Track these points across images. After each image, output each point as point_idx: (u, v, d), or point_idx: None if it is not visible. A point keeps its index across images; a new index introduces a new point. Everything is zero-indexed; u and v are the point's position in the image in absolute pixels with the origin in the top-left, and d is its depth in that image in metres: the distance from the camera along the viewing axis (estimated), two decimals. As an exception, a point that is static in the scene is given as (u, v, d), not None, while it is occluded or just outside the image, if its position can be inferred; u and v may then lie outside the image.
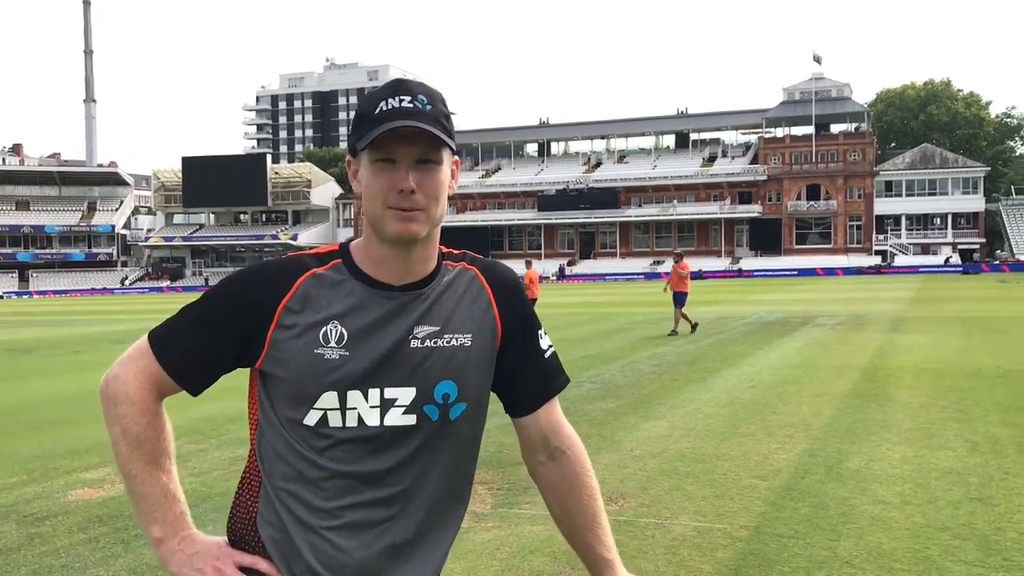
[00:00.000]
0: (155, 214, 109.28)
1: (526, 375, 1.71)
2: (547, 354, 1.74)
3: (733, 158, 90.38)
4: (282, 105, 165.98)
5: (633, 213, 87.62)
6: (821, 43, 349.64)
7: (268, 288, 1.57)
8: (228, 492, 6.28)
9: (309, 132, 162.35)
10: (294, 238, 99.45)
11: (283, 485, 1.59)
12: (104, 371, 1.63)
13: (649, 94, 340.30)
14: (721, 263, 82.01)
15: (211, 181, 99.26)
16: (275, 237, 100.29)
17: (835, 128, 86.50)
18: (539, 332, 1.73)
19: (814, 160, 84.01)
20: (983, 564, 4.50)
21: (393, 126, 1.48)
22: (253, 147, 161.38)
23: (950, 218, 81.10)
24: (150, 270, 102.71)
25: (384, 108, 1.52)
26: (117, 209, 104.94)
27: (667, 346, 16.28)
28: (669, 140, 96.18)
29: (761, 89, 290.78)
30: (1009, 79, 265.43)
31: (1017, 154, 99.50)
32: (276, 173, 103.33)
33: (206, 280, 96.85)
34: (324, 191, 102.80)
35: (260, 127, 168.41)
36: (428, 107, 1.53)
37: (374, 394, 1.55)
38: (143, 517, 1.58)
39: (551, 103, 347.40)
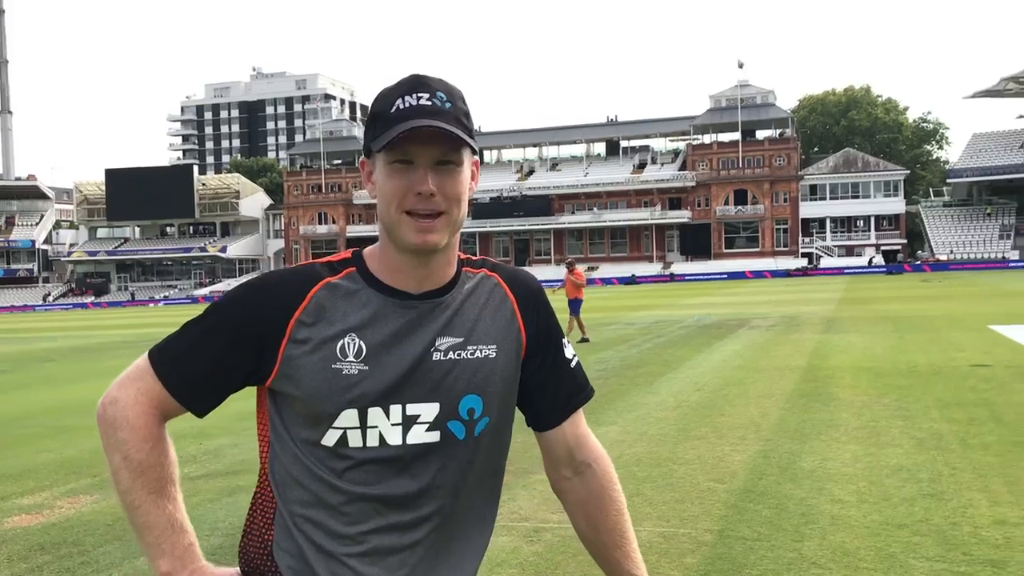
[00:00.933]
0: (78, 228, 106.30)
1: (551, 387, 1.63)
2: (572, 364, 1.66)
3: (663, 165, 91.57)
4: (208, 115, 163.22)
5: (567, 220, 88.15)
6: (746, 51, 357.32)
7: (279, 300, 1.46)
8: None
9: (236, 142, 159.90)
10: (223, 250, 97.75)
11: (300, 511, 1.49)
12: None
13: (580, 102, 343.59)
14: (653, 268, 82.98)
15: (136, 193, 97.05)
16: (203, 249, 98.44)
17: (761, 134, 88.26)
18: (564, 341, 1.66)
19: (741, 166, 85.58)
20: (944, 559, 4.56)
21: (411, 126, 1.39)
22: (179, 158, 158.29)
23: (873, 220, 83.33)
24: (73, 286, 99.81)
25: (401, 106, 1.43)
26: (37, 223, 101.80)
27: (610, 351, 16.35)
28: (600, 148, 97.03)
29: (688, 97, 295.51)
30: (925, 85, 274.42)
31: (934, 157, 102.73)
32: (203, 184, 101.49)
33: (132, 295, 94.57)
34: (253, 202, 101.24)
35: (186, 137, 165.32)
36: (448, 105, 1.44)
37: (396, 411, 1.46)
38: (149, 550, 1.45)
39: (483, 112, 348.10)
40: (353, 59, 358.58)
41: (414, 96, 1.44)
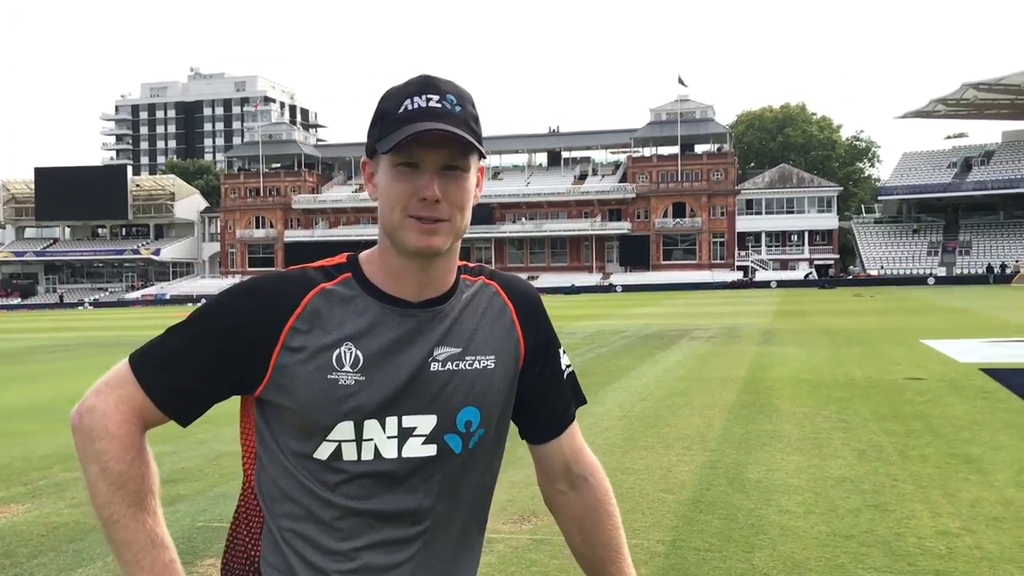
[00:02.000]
0: (4, 228, 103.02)
1: (549, 398, 1.59)
2: (566, 374, 1.62)
3: (603, 176, 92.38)
4: (144, 115, 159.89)
5: (508, 229, 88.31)
6: (686, 66, 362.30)
7: (272, 305, 1.40)
8: (114, 523, 5.87)
9: (173, 143, 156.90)
10: (156, 252, 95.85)
11: (290, 525, 1.43)
12: None
13: (522, 112, 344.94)
14: (592, 278, 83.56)
15: (67, 193, 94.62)
16: (136, 252, 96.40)
17: (699, 148, 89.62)
18: (560, 351, 1.62)
19: (680, 179, 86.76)
20: (891, 570, 4.63)
21: (420, 129, 1.34)
22: (112, 158, 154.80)
23: (807, 235, 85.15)
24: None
25: (410, 107, 1.38)
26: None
27: (552, 361, 16.34)
28: (542, 158, 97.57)
29: (629, 110, 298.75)
30: (858, 105, 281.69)
31: (866, 175, 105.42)
32: (137, 185, 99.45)
33: (60, 297, 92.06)
34: (189, 204, 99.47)
35: (120, 137, 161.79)
36: (458, 108, 1.40)
37: (391, 423, 1.40)
38: (127, 567, 1.37)
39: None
40: (294, 62, 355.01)
41: (423, 97, 1.39)
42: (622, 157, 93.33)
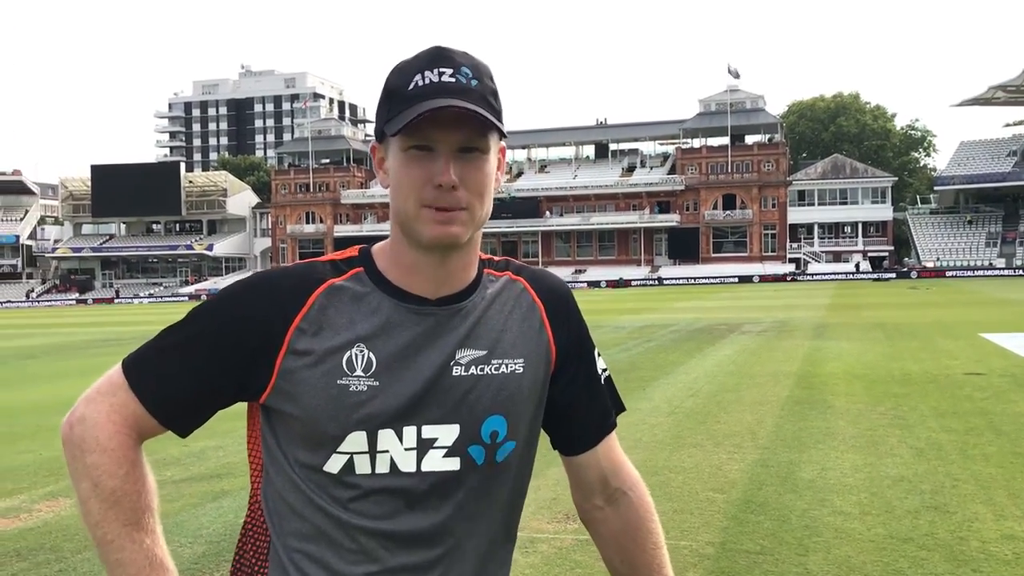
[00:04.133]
0: (63, 224, 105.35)
1: (584, 405, 1.44)
2: (603, 378, 1.47)
3: (651, 168, 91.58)
4: (196, 112, 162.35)
5: (555, 222, 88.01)
6: (736, 56, 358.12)
7: (275, 305, 1.27)
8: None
9: (224, 140, 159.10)
10: (209, 248, 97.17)
11: (297, 545, 1.30)
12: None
13: (569, 105, 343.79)
14: (641, 272, 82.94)
15: (122, 190, 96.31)
16: (190, 247, 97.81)
17: (749, 139, 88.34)
18: (595, 353, 1.47)
19: (730, 170, 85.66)
20: (953, 575, 4.43)
21: (432, 107, 1.19)
22: (166, 155, 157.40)
23: (860, 226, 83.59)
24: (58, 282, 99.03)
25: (420, 83, 1.23)
26: (22, 219, 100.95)
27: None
28: (589, 150, 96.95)
29: (678, 101, 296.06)
30: (913, 93, 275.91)
31: (921, 164, 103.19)
32: (190, 182, 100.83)
33: (116, 292, 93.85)
34: (240, 200, 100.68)
35: (173, 135, 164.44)
36: (474, 82, 1.25)
37: (410, 433, 1.27)
38: None
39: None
40: (342, 58, 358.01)
41: (435, 71, 1.24)
42: (671, 148, 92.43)
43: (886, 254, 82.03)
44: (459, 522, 1.30)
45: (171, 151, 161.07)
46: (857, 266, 77.12)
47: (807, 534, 5.14)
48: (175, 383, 1.27)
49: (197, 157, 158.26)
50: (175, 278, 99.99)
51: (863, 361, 13.76)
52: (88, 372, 16.50)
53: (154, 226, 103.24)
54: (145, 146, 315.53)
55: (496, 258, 1.43)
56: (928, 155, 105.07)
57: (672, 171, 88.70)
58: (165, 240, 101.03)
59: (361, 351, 1.26)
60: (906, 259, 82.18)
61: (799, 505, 5.75)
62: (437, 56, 1.26)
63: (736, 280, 74.99)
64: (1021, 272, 67.87)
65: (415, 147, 1.24)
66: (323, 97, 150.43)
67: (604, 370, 1.48)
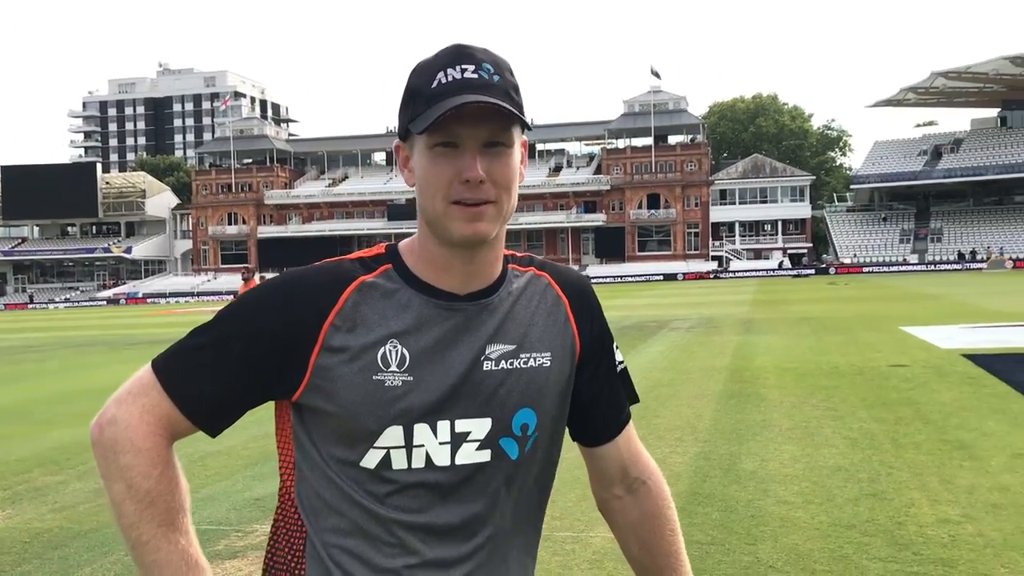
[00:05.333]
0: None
1: (605, 397, 1.47)
2: (620, 370, 1.51)
3: (578, 168, 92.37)
4: (112, 111, 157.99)
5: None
6: (658, 57, 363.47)
7: (309, 302, 1.28)
8: (99, 527, 5.74)
9: (142, 140, 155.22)
10: (128, 251, 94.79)
11: (336, 541, 1.31)
12: None
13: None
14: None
15: (35, 191, 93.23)
16: (107, 250, 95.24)
17: (673, 139, 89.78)
18: (614, 346, 1.51)
19: (654, 170, 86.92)
20: (896, 559, 4.59)
21: (459, 103, 1.21)
22: (80, 155, 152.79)
23: (780, 224, 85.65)
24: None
25: (444, 80, 1.25)
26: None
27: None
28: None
29: (603, 101, 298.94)
30: (829, 94, 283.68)
31: (837, 164, 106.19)
32: (107, 183, 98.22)
33: (30, 297, 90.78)
34: (160, 201, 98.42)
35: (88, 134, 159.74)
36: (496, 78, 1.27)
37: (443, 427, 1.29)
38: None
39: (396, 113, 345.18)
40: (264, 57, 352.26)
41: (458, 68, 1.26)
42: (596, 149, 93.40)
43: (805, 251, 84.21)
44: (492, 514, 1.33)
45: (86, 151, 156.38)
46: (780, 263, 78.94)
47: (754, 524, 5.26)
48: (207, 383, 1.27)
49: (114, 157, 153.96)
50: (92, 282, 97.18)
51: (791, 355, 14.12)
52: (6, 380, 15.97)
53: (69, 228, 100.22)
54: (58, 146, 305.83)
55: (519, 254, 1.45)
56: (844, 155, 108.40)
57: (598, 171, 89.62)
58: (81, 243, 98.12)
59: (395, 347, 1.28)
60: (824, 256, 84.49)
61: (744, 496, 5.88)
62: (459, 54, 1.28)
63: (661, 278, 76.13)
64: (933, 267, 70.34)
65: (441, 144, 1.25)
66: (244, 96, 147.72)
67: (621, 362, 1.52)
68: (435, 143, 1.25)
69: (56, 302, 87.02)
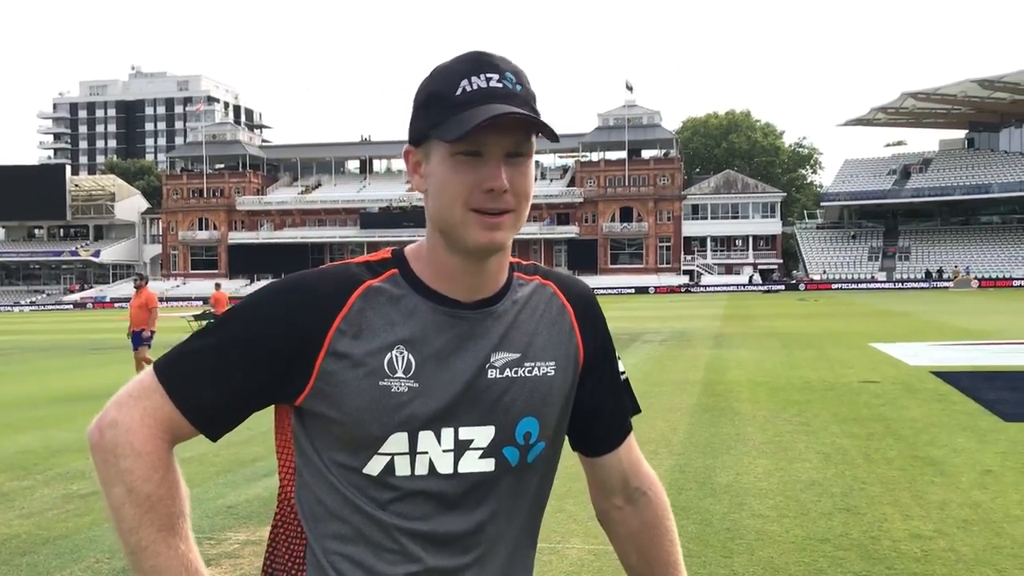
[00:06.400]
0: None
1: (608, 407, 1.47)
2: (622, 380, 1.50)
3: (552, 180, 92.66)
4: (83, 114, 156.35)
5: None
6: (633, 72, 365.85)
7: (315, 306, 1.26)
8: (69, 534, 5.65)
9: (113, 143, 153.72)
10: (96, 254, 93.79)
11: (337, 548, 1.29)
12: None
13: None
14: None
15: (2, 193, 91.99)
16: (75, 253, 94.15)
17: (646, 154, 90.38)
18: (616, 356, 1.50)
19: (627, 184, 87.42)
20: (870, 573, 4.62)
21: (495, 113, 1.19)
22: (50, 157, 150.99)
23: (751, 240, 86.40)
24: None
25: (468, 88, 1.23)
26: None
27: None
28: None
29: (578, 115, 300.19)
30: (801, 112, 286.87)
31: (808, 181, 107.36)
32: (76, 186, 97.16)
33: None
34: (129, 205, 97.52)
35: (58, 136, 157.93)
36: (519, 88, 1.26)
37: (447, 435, 1.28)
38: None
39: (373, 121, 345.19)
40: (238, 62, 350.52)
41: (482, 77, 1.25)
42: (570, 161, 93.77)
43: (775, 267, 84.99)
44: (493, 523, 1.32)
45: (56, 153, 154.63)
46: (751, 279, 79.58)
47: (730, 536, 5.28)
48: (211, 387, 1.25)
49: (84, 160, 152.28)
50: (59, 285, 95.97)
51: (763, 369, 14.22)
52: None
53: (36, 231, 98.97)
54: (27, 147, 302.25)
55: (524, 262, 1.44)
56: (815, 172, 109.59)
57: (571, 183, 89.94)
58: (48, 246, 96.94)
59: (401, 353, 1.26)
60: (794, 272, 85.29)
61: (719, 509, 5.90)
62: (481, 61, 1.27)
63: (633, 291, 76.45)
64: (901, 285, 71.20)
65: (464, 152, 1.24)
66: (218, 101, 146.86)
67: (623, 372, 1.51)
68: (459, 151, 1.24)
69: (21, 305, 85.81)
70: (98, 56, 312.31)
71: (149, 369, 1.27)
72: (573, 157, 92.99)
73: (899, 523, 5.50)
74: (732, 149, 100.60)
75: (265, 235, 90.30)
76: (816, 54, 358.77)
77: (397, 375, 1.26)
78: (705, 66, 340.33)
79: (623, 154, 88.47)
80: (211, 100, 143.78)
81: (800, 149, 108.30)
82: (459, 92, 1.24)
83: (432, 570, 1.28)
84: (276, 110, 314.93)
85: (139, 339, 14.17)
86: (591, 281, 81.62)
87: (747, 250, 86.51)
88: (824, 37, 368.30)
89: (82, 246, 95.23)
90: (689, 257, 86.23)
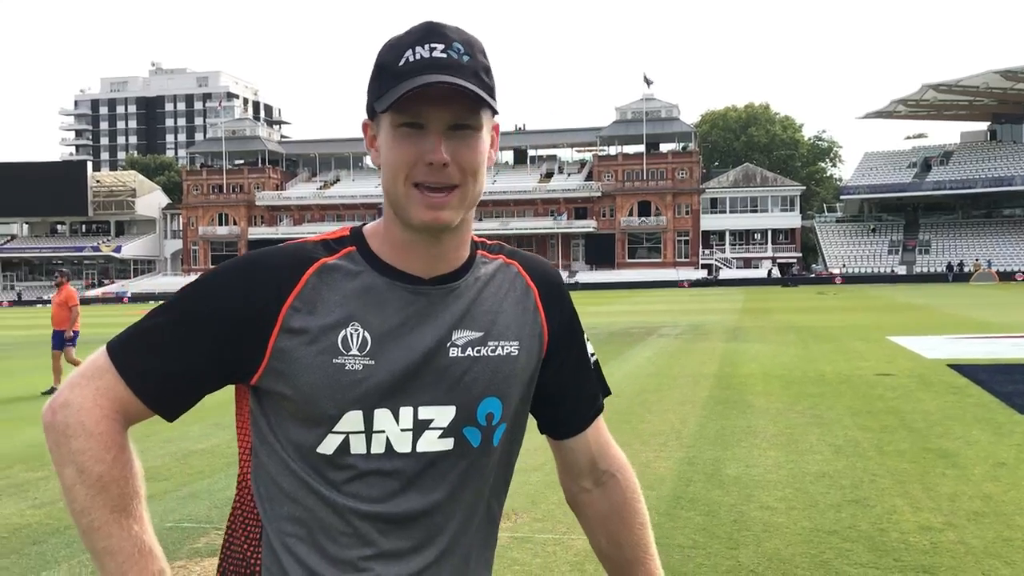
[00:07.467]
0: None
1: (574, 389, 1.45)
2: (592, 362, 1.49)
3: (569, 175, 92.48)
4: (104, 110, 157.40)
5: (474, 227, 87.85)
6: (651, 65, 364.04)
7: (267, 284, 1.25)
8: (79, 524, 5.68)
9: (133, 139, 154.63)
10: (117, 250, 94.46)
11: (291, 530, 1.28)
12: None
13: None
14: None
15: (25, 189, 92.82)
16: (96, 249, 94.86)
17: (664, 147, 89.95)
18: (585, 338, 1.49)
19: (645, 178, 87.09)
20: (877, 565, 4.59)
21: (422, 83, 1.18)
22: (71, 153, 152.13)
23: (770, 233, 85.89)
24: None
25: (411, 59, 1.22)
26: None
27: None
28: (508, 156, 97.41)
29: (596, 108, 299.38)
30: (820, 104, 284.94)
31: (828, 174, 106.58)
32: (98, 181, 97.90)
33: (19, 295, 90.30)
34: (150, 201, 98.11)
35: (79, 132, 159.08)
36: (466, 58, 1.24)
37: (406, 413, 1.26)
38: None
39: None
40: (257, 59, 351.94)
41: (426, 47, 1.23)
42: (588, 156, 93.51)
43: (794, 261, 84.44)
44: (451, 504, 1.30)
45: (77, 149, 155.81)
46: (769, 272, 79.13)
47: (736, 528, 5.26)
48: (162, 365, 1.24)
49: (105, 156, 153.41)
50: (81, 280, 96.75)
51: (778, 362, 14.14)
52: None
53: (59, 227, 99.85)
54: (49, 144, 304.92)
55: (490, 241, 1.43)
56: (834, 165, 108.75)
57: (589, 178, 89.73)
58: (70, 241, 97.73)
59: (356, 330, 1.25)
60: (813, 265, 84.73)
61: (727, 500, 5.88)
62: (429, 31, 1.25)
63: (650, 285, 76.20)
64: (921, 280, 70.54)
65: (406, 124, 1.23)
66: (237, 97, 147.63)
67: (592, 354, 1.50)
68: (400, 123, 1.23)
69: (44, 301, 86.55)
70: (119, 53, 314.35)
71: (102, 349, 1.26)
72: (591, 151, 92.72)
73: (908, 515, 5.46)
74: (751, 142, 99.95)
75: (284, 230, 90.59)
76: (836, 46, 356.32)
77: (351, 352, 1.24)
78: (724, 59, 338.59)
79: (641, 148, 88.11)
80: (230, 96, 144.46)
81: (820, 142, 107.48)
82: (402, 62, 1.23)
83: (387, 552, 1.26)
84: (295, 106, 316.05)
85: (60, 339, 13.19)
86: (609, 275, 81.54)
87: (766, 244, 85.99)
88: (844, 29, 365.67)
89: (103, 242, 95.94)
90: (707, 251, 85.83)
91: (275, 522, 1.30)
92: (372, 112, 1.29)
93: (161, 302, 1.29)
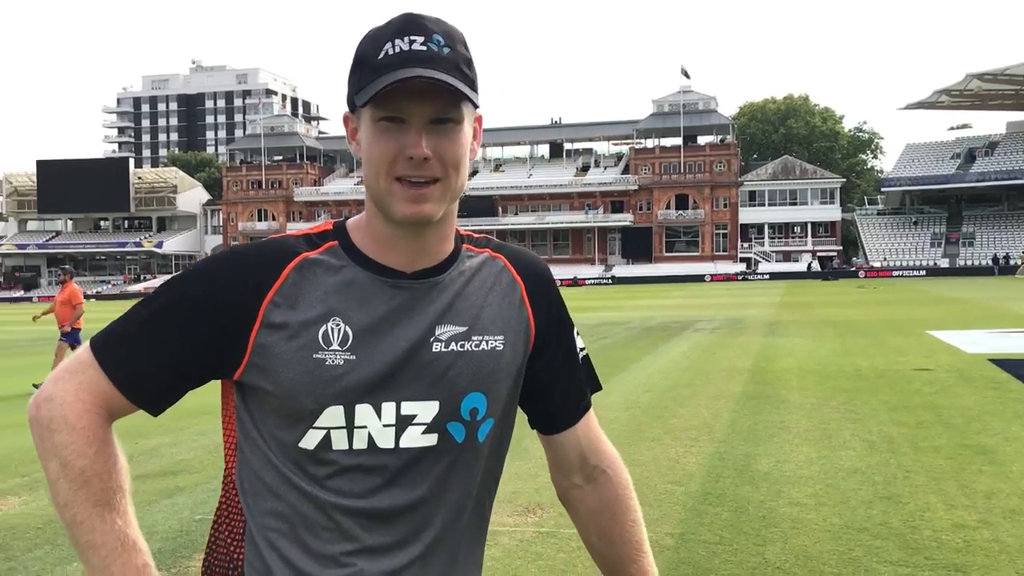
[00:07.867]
0: (6, 220, 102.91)
1: (563, 384, 1.43)
2: (581, 357, 1.47)
3: (606, 168, 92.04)
4: (145, 108, 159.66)
5: (509, 221, 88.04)
6: (689, 57, 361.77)
7: (248, 278, 1.24)
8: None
9: (174, 136, 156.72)
10: (159, 245, 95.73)
11: (274, 524, 1.27)
12: None
13: (524, 104, 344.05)
14: (595, 270, 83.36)
15: (69, 186, 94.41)
16: (139, 244, 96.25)
17: (702, 140, 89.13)
18: (574, 333, 1.47)
19: (682, 170, 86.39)
20: (907, 564, 4.51)
21: (400, 77, 1.17)
22: (114, 151, 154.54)
23: (809, 227, 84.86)
24: (1, 280, 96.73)
25: (391, 51, 1.20)
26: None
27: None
28: (544, 150, 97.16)
29: (632, 101, 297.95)
30: (861, 95, 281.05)
31: (868, 166, 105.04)
32: (140, 178, 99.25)
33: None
34: (191, 197, 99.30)
35: (122, 130, 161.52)
36: (446, 50, 1.22)
37: (388, 409, 1.25)
38: (96, 573, 1.20)
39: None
40: (295, 55, 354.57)
41: (406, 39, 1.21)
42: (624, 149, 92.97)
43: (835, 254, 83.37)
44: (436, 500, 1.29)
45: (119, 146, 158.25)
46: (809, 266, 78.25)
47: (764, 525, 5.20)
48: (145, 360, 1.24)
49: (146, 153, 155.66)
50: (123, 275, 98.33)
51: (815, 357, 13.97)
52: (35, 369, 16.17)
53: (102, 223, 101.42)
54: (92, 141, 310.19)
55: (476, 235, 1.42)
56: (875, 157, 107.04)
57: (626, 171, 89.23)
58: (113, 237, 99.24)
59: (337, 325, 1.24)
60: (854, 259, 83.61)
61: (756, 497, 5.82)
62: (408, 23, 1.24)
63: (688, 279, 75.68)
64: (964, 273, 69.37)
65: (386, 118, 1.22)
66: (276, 94, 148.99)
67: (582, 349, 1.48)
68: (380, 117, 1.22)
69: (88, 296, 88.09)
70: (159, 51, 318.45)
71: (86, 343, 1.27)
72: (627, 144, 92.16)
73: (942, 513, 5.36)
74: (790, 134, 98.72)
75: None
76: (877, 37, 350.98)
77: (332, 347, 1.24)
78: (763, 51, 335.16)
79: (678, 140, 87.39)
80: (269, 93, 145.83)
81: (860, 134, 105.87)
82: (382, 55, 1.22)
83: (369, 548, 1.25)
84: (332, 101, 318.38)
85: (75, 337, 13.26)
86: (646, 269, 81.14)
87: (805, 237, 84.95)
88: (885, 19, 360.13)
89: (145, 237, 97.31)
90: (746, 244, 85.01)
91: (258, 517, 1.29)
92: (352, 105, 1.28)
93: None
